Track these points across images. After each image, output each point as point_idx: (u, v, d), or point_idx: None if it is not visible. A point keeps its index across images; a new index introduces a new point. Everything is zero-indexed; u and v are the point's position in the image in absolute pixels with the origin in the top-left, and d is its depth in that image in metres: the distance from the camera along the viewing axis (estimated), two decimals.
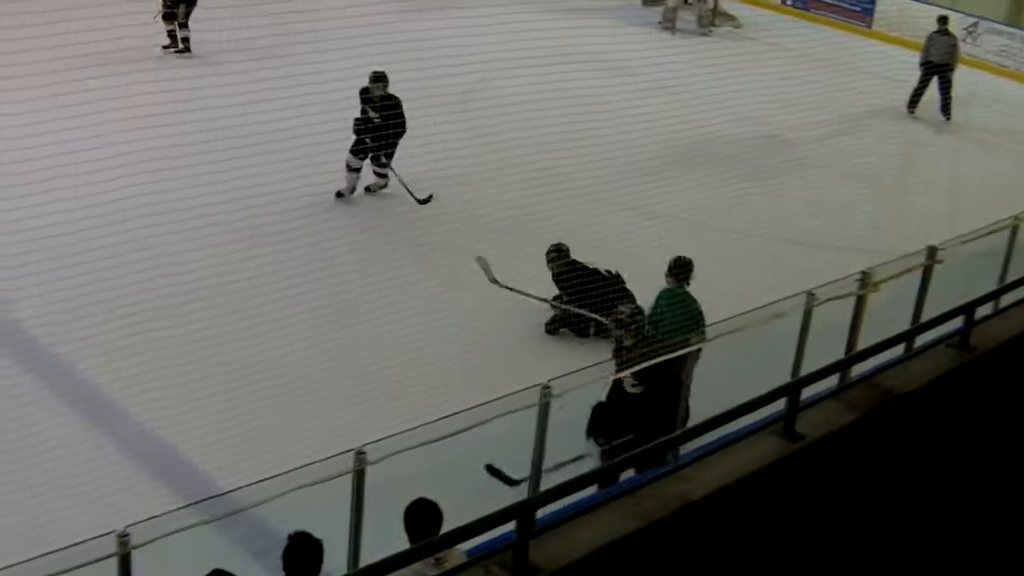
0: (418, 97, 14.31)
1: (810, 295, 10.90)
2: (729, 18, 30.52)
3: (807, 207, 17.41)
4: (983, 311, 10.56)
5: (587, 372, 9.53)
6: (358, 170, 17.19)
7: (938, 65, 24.53)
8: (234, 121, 11.62)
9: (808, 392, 8.72)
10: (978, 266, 13.84)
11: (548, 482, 8.58)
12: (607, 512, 7.01)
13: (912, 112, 24.72)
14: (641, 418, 10.53)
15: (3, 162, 11.66)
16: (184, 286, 12.09)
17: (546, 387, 8.92)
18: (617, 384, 10.97)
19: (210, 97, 12.34)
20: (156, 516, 6.67)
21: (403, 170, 16.64)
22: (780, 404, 8.27)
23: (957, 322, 10.04)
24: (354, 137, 17.05)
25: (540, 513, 7.31)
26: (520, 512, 6.25)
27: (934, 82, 24.52)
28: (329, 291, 13.09)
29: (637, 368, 10.57)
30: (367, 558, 7.65)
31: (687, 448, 8.61)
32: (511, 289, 13.84)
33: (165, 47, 22.33)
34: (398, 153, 17.02)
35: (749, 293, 12.01)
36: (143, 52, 19.93)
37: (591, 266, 13.72)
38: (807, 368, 9.65)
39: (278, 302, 12.05)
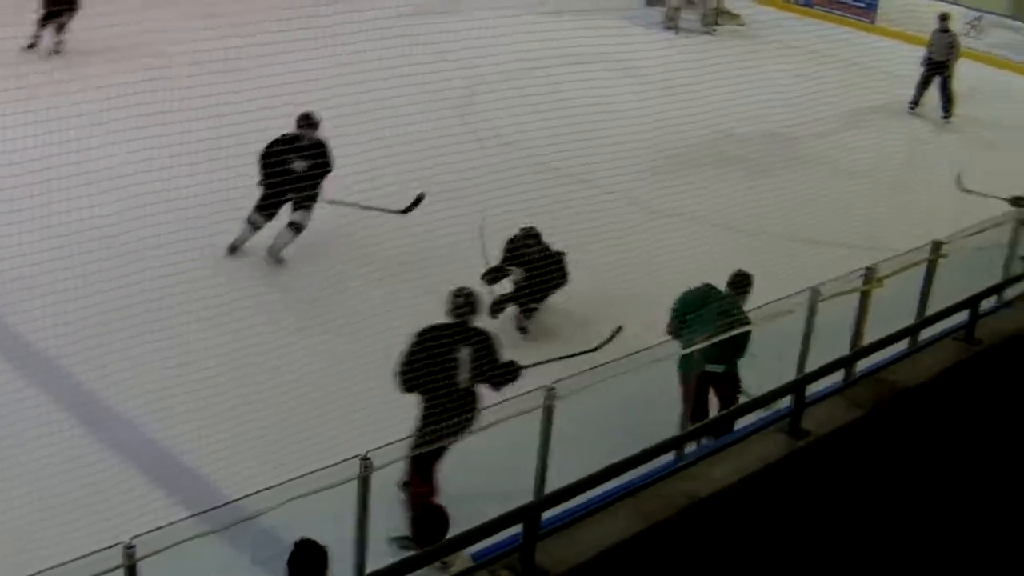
0: (420, 101, 14.28)
1: (815, 291, 10.88)
2: (732, 16, 30.52)
3: (811, 204, 17.38)
4: (988, 306, 10.57)
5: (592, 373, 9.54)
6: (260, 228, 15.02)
7: (938, 63, 24.54)
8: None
9: (814, 389, 8.72)
10: (983, 261, 13.84)
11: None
12: (612, 513, 7.02)
13: (913, 109, 24.72)
14: None
15: None
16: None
17: (550, 389, 8.92)
18: None
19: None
20: (161, 527, 6.68)
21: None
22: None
23: (962, 317, 10.03)
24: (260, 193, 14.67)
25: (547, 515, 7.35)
26: (527, 515, 6.24)
27: (936, 79, 24.52)
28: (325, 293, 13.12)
29: None
30: (373, 564, 7.66)
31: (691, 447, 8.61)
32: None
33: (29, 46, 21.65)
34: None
35: (755, 290, 11.99)
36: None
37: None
38: (812, 366, 9.62)
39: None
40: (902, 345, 9.77)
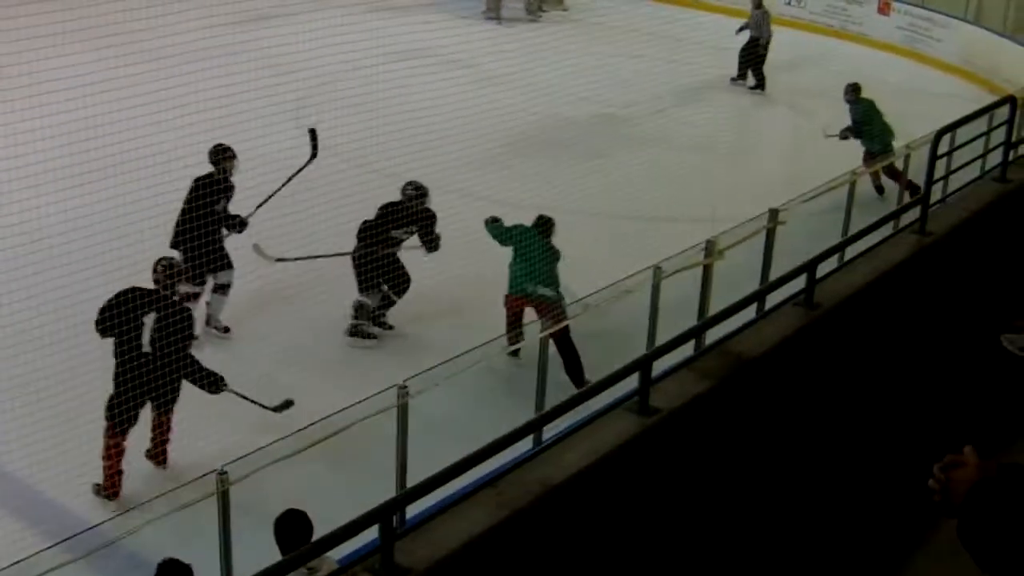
0: (255, 108, 14.20)
1: (657, 269, 11.09)
2: (556, 2, 30.74)
3: (647, 182, 17.64)
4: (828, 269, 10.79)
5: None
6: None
7: (755, 39, 25.09)
8: None
9: (668, 363, 8.87)
10: (825, 225, 14.16)
11: None
12: (472, 505, 7.06)
13: (735, 82, 25.19)
14: None
15: None
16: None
17: (403, 387, 8.99)
18: None
19: None
20: (24, 559, 6.64)
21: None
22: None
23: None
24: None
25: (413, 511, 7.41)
26: (381, 515, 6.27)
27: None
28: None
29: None
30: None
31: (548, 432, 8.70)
32: (297, 259, 13.93)
33: None
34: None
35: (596, 273, 12.15)
36: None
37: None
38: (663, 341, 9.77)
39: None
40: (751, 315, 9.94)
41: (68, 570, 7.30)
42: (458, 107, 15.41)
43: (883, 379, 10.71)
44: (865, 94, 19.13)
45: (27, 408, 10.30)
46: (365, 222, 13.72)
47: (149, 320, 10.72)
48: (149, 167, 12.97)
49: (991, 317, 10.67)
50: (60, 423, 10.34)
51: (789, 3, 30.32)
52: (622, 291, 11.30)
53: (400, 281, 13.90)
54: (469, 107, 15.56)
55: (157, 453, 11.27)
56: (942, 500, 3.65)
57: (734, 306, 9.58)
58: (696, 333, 9.66)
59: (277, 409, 11.63)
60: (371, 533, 6.34)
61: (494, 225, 13.51)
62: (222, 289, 13.68)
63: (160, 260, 11.25)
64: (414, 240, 13.78)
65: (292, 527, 8.01)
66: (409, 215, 13.65)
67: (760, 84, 25.04)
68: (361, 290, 13.76)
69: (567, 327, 12.40)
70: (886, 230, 11.93)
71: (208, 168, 13.39)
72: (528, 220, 13.42)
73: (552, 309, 12.45)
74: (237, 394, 11.30)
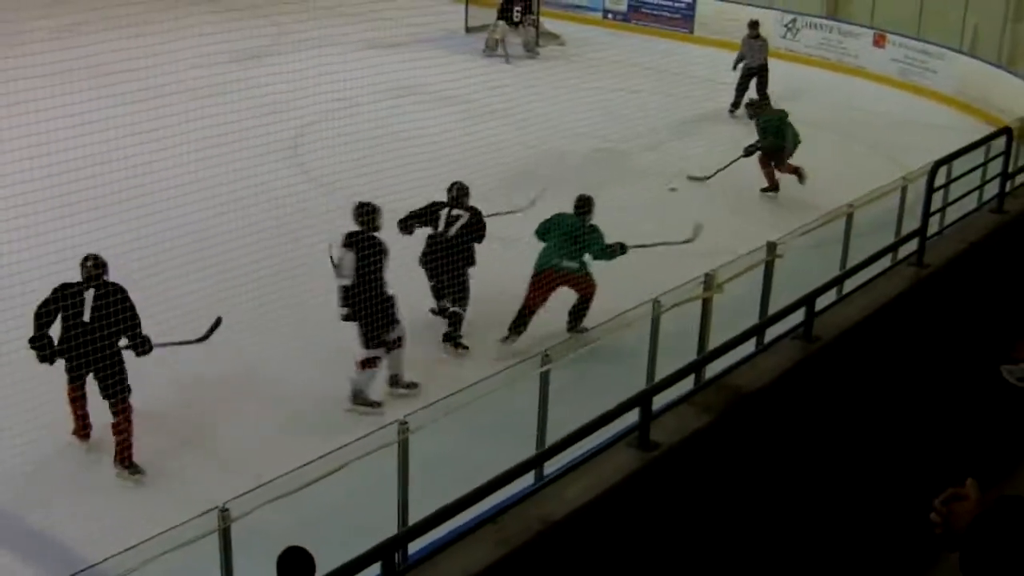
0: (247, 147, 14.19)
1: (656, 302, 11.05)
2: (552, 37, 30.72)
3: (643, 214, 17.66)
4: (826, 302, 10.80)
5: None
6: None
7: (753, 68, 25.15)
8: None
9: (668, 398, 8.86)
10: (821, 258, 14.13)
11: None
12: (473, 541, 7.06)
13: (733, 114, 25.20)
14: None
15: None
16: None
17: (403, 423, 8.96)
18: None
19: None
20: None
21: None
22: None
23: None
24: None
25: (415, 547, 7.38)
26: (383, 552, 6.27)
27: (752, 84, 25.06)
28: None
29: None
30: None
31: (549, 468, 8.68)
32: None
33: None
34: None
35: (595, 306, 12.16)
36: None
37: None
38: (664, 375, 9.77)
39: None
40: (750, 348, 9.95)
41: None
42: (455, 142, 15.44)
43: (883, 411, 10.72)
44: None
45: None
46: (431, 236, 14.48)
47: (88, 298, 11.49)
48: (149, 204, 13.03)
49: (990, 348, 10.68)
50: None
51: (784, 36, 30.40)
52: (620, 325, 11.29)
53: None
54: (467, 142, 15.58)
55: (124, 458, 11.49)
56: (944, 533, 3.65)
57: (733, 341, 9.59)
58: (696, 368, 9.66)
59: (206, 336, 12.31)
60: (373, 571, 6.33)
61: (536, 231, 14.77)
62: (398, 342, 13.41)
63: (87, 257, 11.75)
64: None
65: (294, 564, 7.99)
66: (480, 221, 14.57)
67: (738, 105, 24.98)
68: (455, 300, 14.50)
69: (591, 293, 14.46)
70: (884, 262, 11.94)
71: None
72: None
73: (578, 280, 14.50)
74: (164, 344, 11.95)
